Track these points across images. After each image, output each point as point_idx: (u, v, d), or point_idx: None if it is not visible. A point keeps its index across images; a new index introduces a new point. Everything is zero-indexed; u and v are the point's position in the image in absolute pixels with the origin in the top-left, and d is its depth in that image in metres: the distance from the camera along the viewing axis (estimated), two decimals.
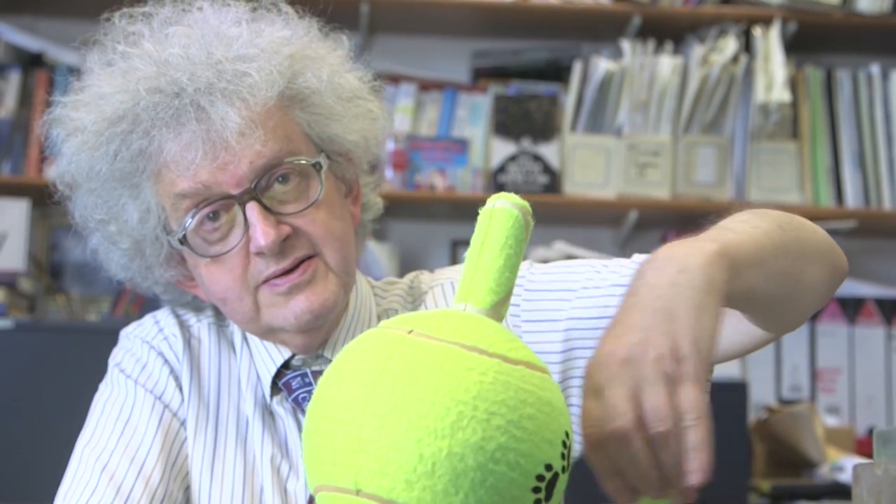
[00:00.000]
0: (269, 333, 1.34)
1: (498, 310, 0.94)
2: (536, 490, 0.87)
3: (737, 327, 1.23)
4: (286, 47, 1.33)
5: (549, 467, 0.88)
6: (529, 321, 1.32)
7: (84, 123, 1.31)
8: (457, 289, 0.96)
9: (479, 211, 0.96)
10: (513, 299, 1.32)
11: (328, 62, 1.36)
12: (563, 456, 0.89)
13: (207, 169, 1.28)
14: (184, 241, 1.31)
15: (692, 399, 0.91)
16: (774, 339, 1.27)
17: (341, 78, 1.37)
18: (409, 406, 0.85)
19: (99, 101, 1.31)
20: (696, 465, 0.90)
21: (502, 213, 0.95)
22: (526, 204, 0.96)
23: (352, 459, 0.85)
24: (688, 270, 0.98)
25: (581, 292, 1.31)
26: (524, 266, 1.37)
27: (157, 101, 1.28)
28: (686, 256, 0.99)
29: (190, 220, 1.30)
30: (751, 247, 1.07)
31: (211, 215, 1.30)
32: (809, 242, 1.17)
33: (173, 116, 1.28)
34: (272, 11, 1.37)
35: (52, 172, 1.40)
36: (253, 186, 1.28)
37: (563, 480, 0.90)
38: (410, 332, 0.89)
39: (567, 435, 0.90)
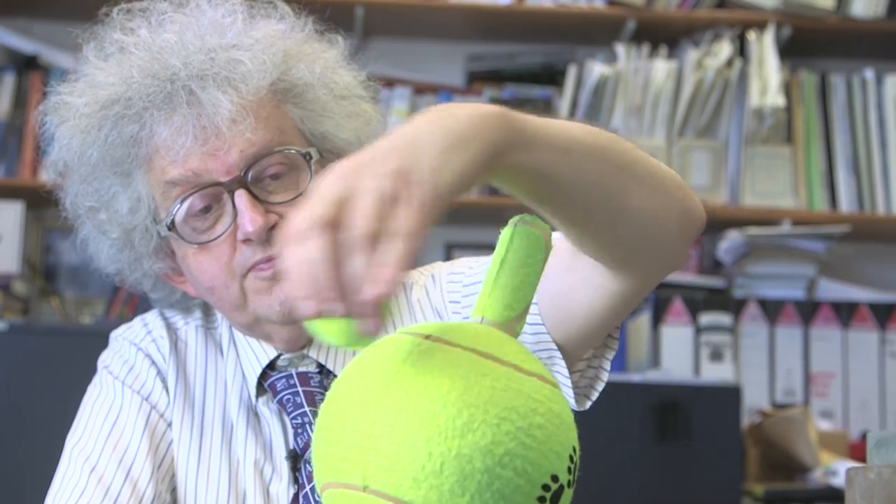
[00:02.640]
0: (256, 325, 1.34)
1: (513, 326, 0.96)
2: (542, 500, 0.88)
3: (590, 280, 1.18)
4: (280, 40, 1.34)
5: (555, 478, 0.88)
6: (469, 318, 1.32)
7: (77, 108, 1.32)
8: (475, 303, 0.97)
9: (500, 230, 0.97)
10: (454, 296, 1.35)
11: (322, 57, 1.37)
12: (569, 470, 0.90)
13: (198, 155, 1.28)
14: (172, 227, 1.31)
15: (408, 220, 0.83)
16: (633, 293, 1.19)
17: (335, 74, 1.38)
18: (422, 406, 0.85)
19: (92, 88, 1.32)
20: (379, 277, 0.81)
21: (524, 233, 0.96)
22: (548, 227, 0.97)
23: (361, 456, 0.86)
24: (453, 117, 0.91)
25: None
26: (470, 261, 1.37)
27: (150, 85, 1.29)
28: (457, 107, 0.93)
29: (178, 205, 1.30)
30: (556, 132, 1.00)
31: (202, 208, 1.30)
32: (643, 167, 1.10)
33: (165, 100, 1.29)
34: (268, 9, 1.38)
35: (45, 162, 1.40)
36: (242, 175, 1.29)
37: (567, 495, 0.90)
38: (427, 337, 0.91)
39: (574, 450, 0.91)
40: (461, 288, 1.35)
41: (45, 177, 1.41)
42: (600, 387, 1.30)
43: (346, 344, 0.86)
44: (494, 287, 0.96)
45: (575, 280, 1.19)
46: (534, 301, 1.21)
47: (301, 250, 0.83)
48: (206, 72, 1.29)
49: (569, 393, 1.26)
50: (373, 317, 0.83)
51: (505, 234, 0.97)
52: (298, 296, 0.84)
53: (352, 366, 0.92)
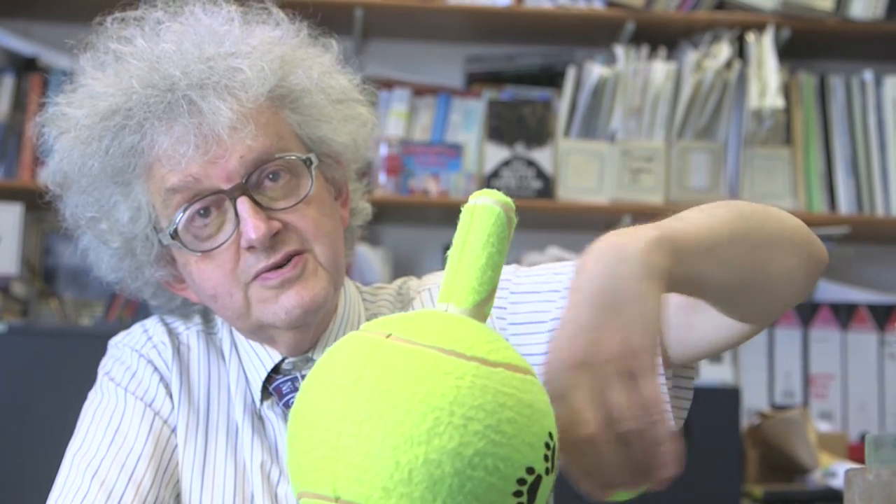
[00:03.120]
0: (259, 330, 1.34)
1: (480, 309, 0.93)
2: (518, 494, 0.86)
3: (714, 320, 1.22)
4: (277, 47, 1.34)
5: (530, 470, 0.87)
6: (516, 324, 1.33)
7: (77, 119, 1.32)
8: (440, 289, 0.95)
9: (461, 208, 0.95)
10: (499, 302, 1.33)
11: (318, 62, 1.37)
12: (546, 458, 0.88)
13: (198, 163, 1.29)
14: (175, 235, 1.31)
15: (652, 392, 0.92)
16: (756, 332, 1.25)
17: (331, 79, 1.38)
18: (385, 413, 0.84)
19: (92, 99, 1.32)
20: (668, 458, 0.91)
21: (484, 210, 0.94)
22: (509, 200, 0.95)
23: (330, 467, 0.85)
24: (627, 260, 0.97)
25: (564, 292, 1.31)
26: (510, 269, 1.37)
27: (150, 95, 1.29)
28: (625, 245, 0.99)
29: (181, 214, 1.30)
30: (701, 234, 1.06)
31: (202, 211, 1.30)
32: (777, 231, 1.17)
33: (165, 110, 1.29)
34: (263, 14, 1.38)
35: (44, 172, 1.40)
36: (244, 181, 1.29)
37: (547, 482, 0.89)
38: (389, 335, 0.89)
39: (551, 436, 0.89)
40: (508, 294, 1.34)
41: (44, 186, 1.41)
42: (688, 405, 1.35)
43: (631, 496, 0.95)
44: (458, 270, 0.93)
45: (696, 318, 1.23)
46: None
47: (596, 457, 0.93)
48: (205, 81, 1.29)
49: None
50: (665, 482, 0.93)
51: (465, 212, 0.95)
52: (596, 487, 0.95)
53: (316, 370, 0.91)
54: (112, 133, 1.30)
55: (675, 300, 1.20)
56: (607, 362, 0.93)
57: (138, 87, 1.29)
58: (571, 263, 1.35)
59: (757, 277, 1.15)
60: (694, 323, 1.23)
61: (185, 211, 1.30)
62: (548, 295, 1.32)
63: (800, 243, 1.19)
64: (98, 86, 1.32)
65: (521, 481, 0.86)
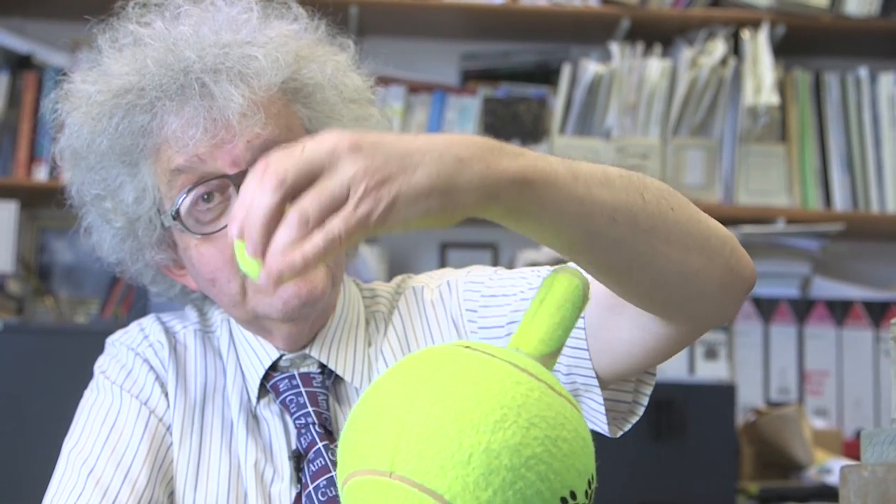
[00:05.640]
0: (254, 321, 1.35)
1: (546, 361, 0.99)
2: None
3: (636, 320, 1.18)
4: (294, 41, 1.35)
5: (573, 495, 0.91)
6: (484, 328, 1.34)
7: (89, 95, 1.33)
8: (512, 336, 1.00)
9: (542, 279, 1.01)
10: (471, 305, 1.37)
11: (333, 60, 1.38)
12: (586, 494, 0.92)
13: (206, 145, 1.30)
14: (176, 216, 1.31)
15: (343, 224, 0.89)
16: (677, 339, 1.19)
17: (345, 77, 1.39)
18: (458, 399, 0.89)
19: (106, 77, 1.33)
20: (290, 258, 0.88)
21: (565, 279, 1.00)
22: (587, 280, 1.00)
23: (391, 442, 0.89)
24: (464, 162, 0.94)
25: (519, 295, 1.32)
26: (489, 271, 1.39)
27: (163, 75, 1.30)
28: (492, 154, 0.96)
29: (184, 196, 1.31)
30: (577, 196, 1.02)
31: (205, 196, 1.31)
32: (683, 227, 1.09)
33: (177, 91, 1.30)
34: (282, 9, 1.39)
35: (54, 147, 1.41)
36: (249, 169, 1.30)
37: None
38: (468, 347, 0.94)
39: (593, 477, 0.94)
40: (479, 297, 1.35)
41: (53, 161, 1.42)
42: (634, 420, 1.32)
43: (244, 268, 0.93)
44: (532, 323, 0.99)
45: (619, 318, 1.20)
46: (581, 326, 1.23)
47: (256, 192, 0.91)
48: (219, 66, 1.30)
49: (602, 419, 1.28)
50: (271, 277, 0.90)
51: (547, 277, 1.01)
52: (235, 216, 0.92)
53: (394, 367, 0.96)
54: (123, 111, 1.31)
55: (599, 300, 1.15)
56: (356, 165, 0.90)
57: (153, 66, 1.30)
58: (536, 269, 1.35)
59: (640, 261, 1.07)
60: (617, 322, 1.20)
61: (188, 193, 1.31)
62: (507, 299, 1.32)
63: (714, 249, 1.11)
64: (114, 65, 1.33)
65: (564, 501, 0.90)
